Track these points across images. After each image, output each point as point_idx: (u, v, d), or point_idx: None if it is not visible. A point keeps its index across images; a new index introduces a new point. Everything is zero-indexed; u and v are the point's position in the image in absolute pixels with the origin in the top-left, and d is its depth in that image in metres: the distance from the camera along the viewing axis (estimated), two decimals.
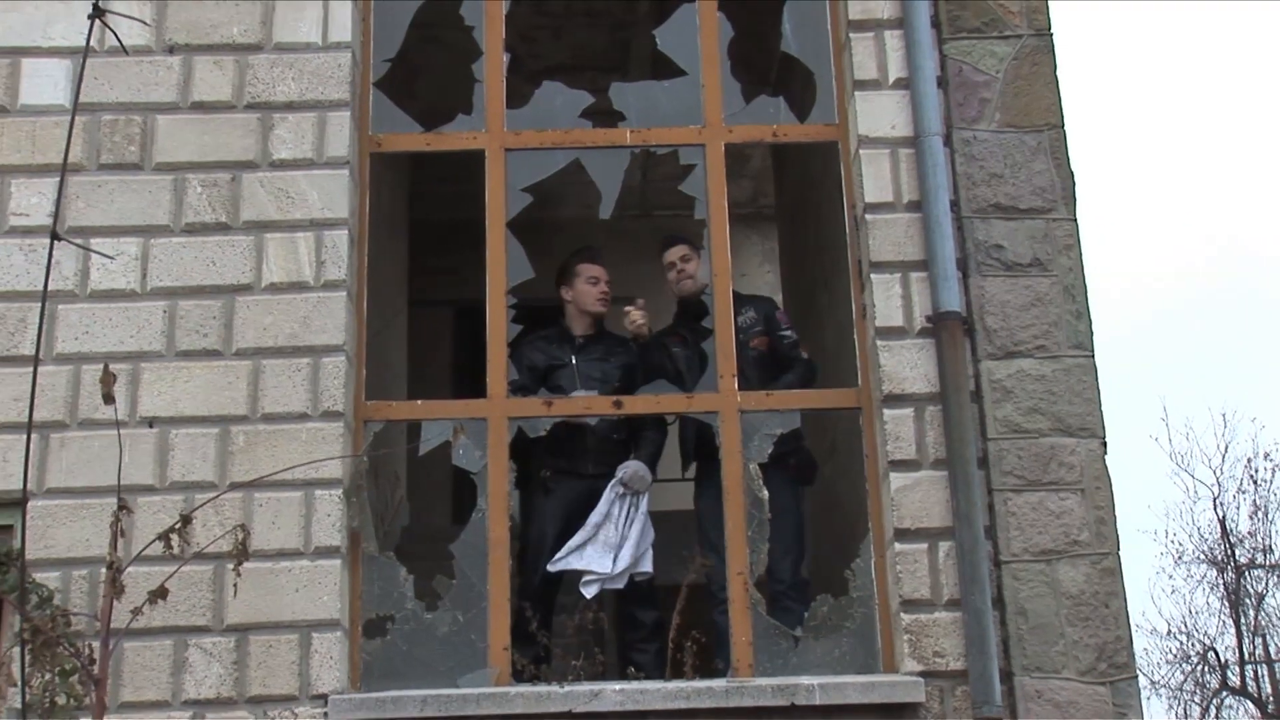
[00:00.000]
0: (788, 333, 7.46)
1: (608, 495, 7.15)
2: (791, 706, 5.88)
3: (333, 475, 6.20)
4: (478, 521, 6.65)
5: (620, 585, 7.02)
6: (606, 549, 7.02)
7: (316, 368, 6.36)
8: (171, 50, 6.72)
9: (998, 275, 6.44)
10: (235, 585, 5.61)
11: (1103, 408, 6.31)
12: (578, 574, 7.12)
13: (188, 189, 6.56)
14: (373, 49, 7.20)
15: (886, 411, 6.34)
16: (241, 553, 5.41)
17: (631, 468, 7.22)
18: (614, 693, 5.96)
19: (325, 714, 5.89)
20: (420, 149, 7.56)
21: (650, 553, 7.13)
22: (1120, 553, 6.13)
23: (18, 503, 5.88)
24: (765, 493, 6.96)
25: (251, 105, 6.69)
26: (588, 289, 7.68)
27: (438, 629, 6.54)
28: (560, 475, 7.40)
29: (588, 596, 6.90)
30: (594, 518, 7.09)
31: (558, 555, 7.05)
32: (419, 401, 8.03)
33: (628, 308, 7.55)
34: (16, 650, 4.97)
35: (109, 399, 5.23)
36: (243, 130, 6.66)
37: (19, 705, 4.90)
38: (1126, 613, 6.06)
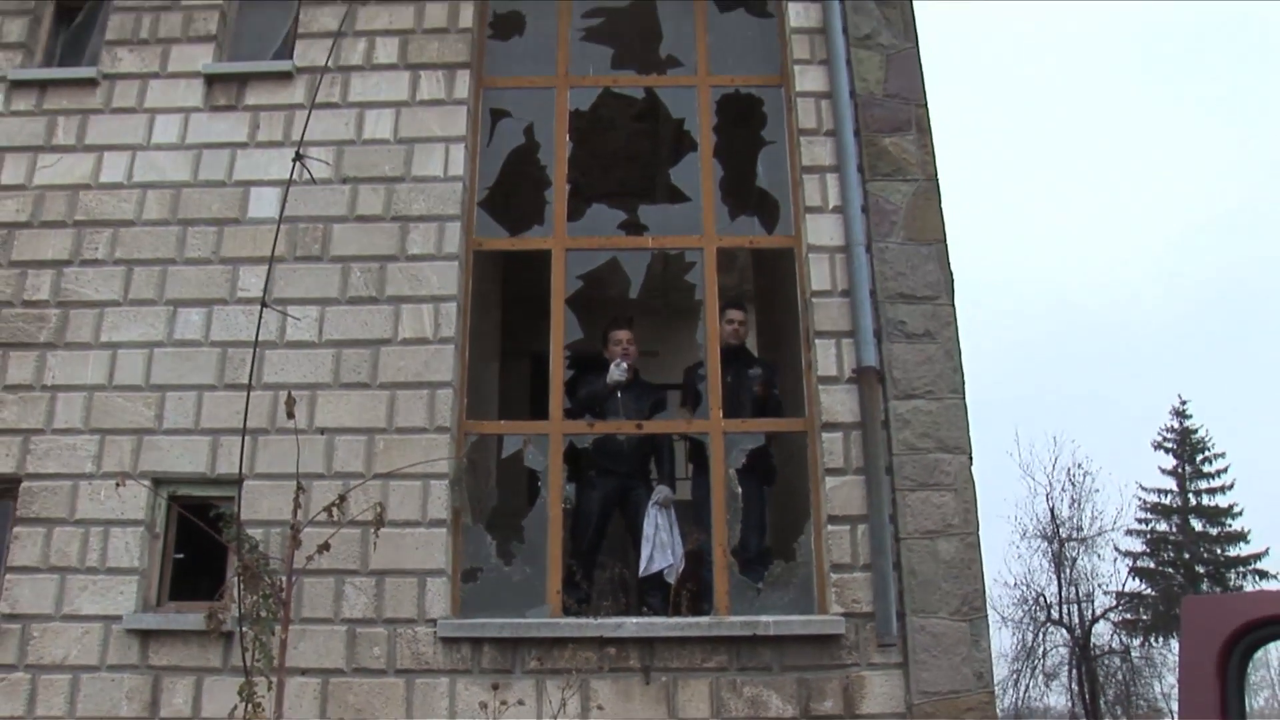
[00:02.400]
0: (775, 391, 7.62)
1: (651, 513, 7.27)
2: (754, 636, 6.21)
3: (442, 471, 6.54)
4: (540, 505, 6.97)
5: (680, 567, 7.07)
6: (665, 549, 7.17)
7: (433, 396, 6.70)
8: (344, 181, 7.15)
9: (901, 342, 6.69)
10: (375, 543, 6.07)
11: (970, 433, 6.53)
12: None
13: (351, 273, 6.95)
14: (477, 180, 7.54)
15: (824, 435, 6.59)
16: (379, 521, 5.80)
17: (664, 492, 7.40)
18: (633, 624, 6.28)
19: (435, 632, 6.25)
20: (508, 248, 7.90)
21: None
22: (980, 532, 6.36)
23: (235, 482, 6.32)
24: (739, 489, 7.29)
25: (395, 217, 7.06)
26: (613, 350, 7.78)
27: (512, 577, 6.88)
28: (601, 474, 7.58)
29: (671, 582, 6.98)
30: (648, 530, 7.23)
31: (642, 568, 7.16)
32: (502, 421, 8.19)
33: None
34: (235, 580, 5.42)
35: (290, 414, 5.70)
36: (388, 234, 7.03)
37: (237, 614, 5.28)
38: (982, 573, 6.29)
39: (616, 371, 7.60)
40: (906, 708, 6.09)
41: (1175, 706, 31.93)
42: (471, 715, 6.06)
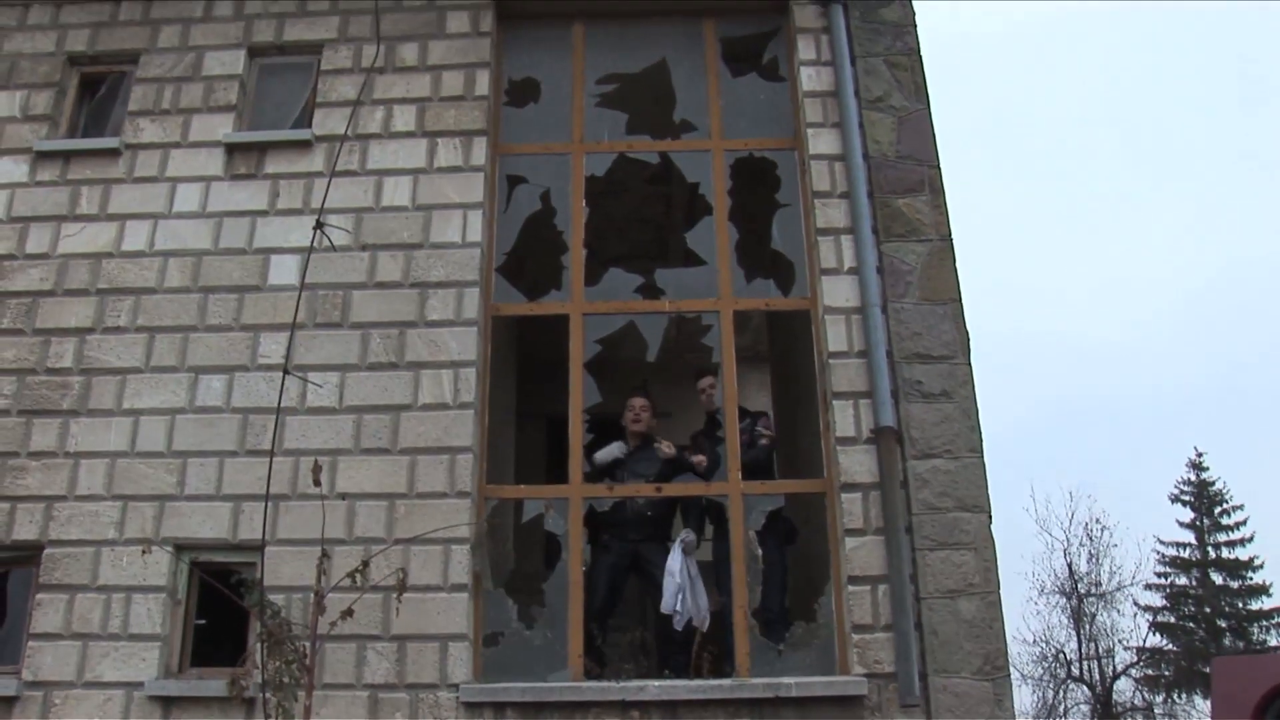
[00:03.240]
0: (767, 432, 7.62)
1: (677, 552, 7.22)
2: (777, 698, 6.18)
3: (463, 535, 6.55)
4: (561, 569, 6.97)
5: (704, 620, 7.08)
6: (685, 594, 7.07)
7: (453, 462, 6.73)
8: (364, 248, 7.22)
9: (919, 401, 6.73)
10: (397, 608, 6.13)
11: (989, 492, 6.53)
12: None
13: (370, 340, 7.01)
14: (495, 246, 7.61)
15: (843, 495, 6.60)
16: (402, 586, 5.87)
17: (688, 535, 7.37)
18: (655, 687, 6.26)
19: (457, 697, 6.24)
20: (526, 313, 7.91)
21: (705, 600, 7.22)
22: (1000, 591, 6.36)
23: (258, 548, 6.30)
24: (760, 550, 7.28)
25: (414, 284, 7.13)
26: (627, 414, 7.85)
27: (533, 641, 6.89)
28: (613, 539, 7.52)
29: (679, 629, 7.02)
30: (672, 566, 7.14)
31: (664, 604, 7.06)
32: (522, 485, 8.14)
33: (658, 444, 7.67)
34: (258, 645, 5.42)
35: (317, 481, 5.75)
36: (407, 301, 7.10)
37: (260, 680, 5.29)
38: (1003, 632, 6.28)
39: (613, 450, 7.62)
40: None
41: None
42: None
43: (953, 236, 7.14)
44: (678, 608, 7.08)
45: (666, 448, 7.66)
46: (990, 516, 6.53)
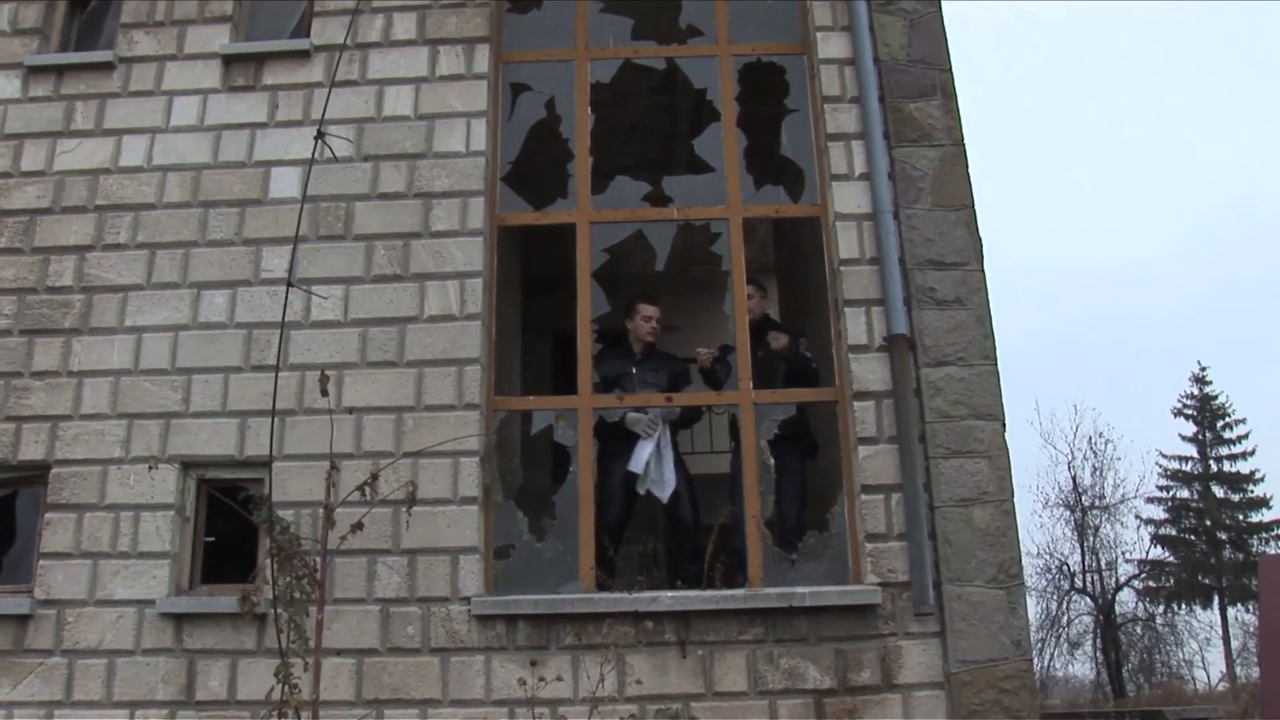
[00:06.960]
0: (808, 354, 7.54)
1: (657, 419, 7.37)
2: (790, 608, 6.16)
3: (472, 448, 6.49)
4: (571, 480, 6.86)
5: (668, 495, 7.24)
6: (651, 461, 7.27)
7: (461, 374, 6.65)
8: (366, 159, 7.07)
9: (931, 309, 6.62)
10: (407, 522, 6.00)
11: (1003, 399, 6.44)
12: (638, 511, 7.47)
13: (375, 251, 6.89)
14: (500, 154, 7.45)
15: (855, 404, 6.52)
16: (411, 500, 5.77)
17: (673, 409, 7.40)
18: (667, 598, 6.23)
19: (469, 610, 6.22)
20: (531, 223, 7.69)
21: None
22: (1014, 500, 6.30)
23: (265, 463, 6.25)
24: (772, 460, 7.16)
25: (418, 194, 7.00)
26: (642, 324, 7.74)
27: (545, 554, 6.80)
28: (625, 450, 7.41)
29: (640, 493, 7.19)
30: (655, 438, 7.31)
31: (633, 463, 7.24)
32: (531, 397, 8.03)
33: (698, 350, 7.61)
34: (268, 561, 5.39)
35: (324, 394, 5.65)
36: (412, 211, 6.97)
37: (271, 597, 5.26)
38: (1017, 540, 6.23)
39: (641, 426, 7.44)
40: (944, 677, 6.04)
41: (1198, 674, 32.47)
42: (508, 691, 6.04)
43: (965, 142, 6.96)
44: (638, 466, 7.17)
45: (705, 358, 7.56)
46: (1004, 424, 6.44)
